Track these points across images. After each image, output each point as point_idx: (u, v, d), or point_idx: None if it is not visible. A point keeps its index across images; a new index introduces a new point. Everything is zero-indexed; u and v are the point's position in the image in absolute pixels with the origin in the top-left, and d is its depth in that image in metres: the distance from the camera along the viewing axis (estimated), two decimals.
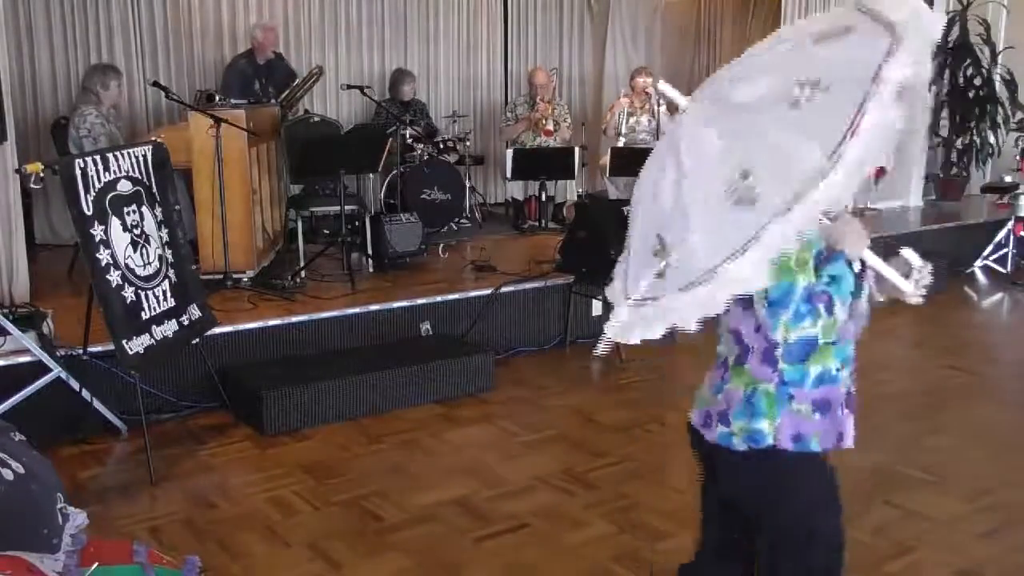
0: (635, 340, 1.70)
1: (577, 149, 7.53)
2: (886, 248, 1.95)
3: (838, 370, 1.90)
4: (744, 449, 1.92)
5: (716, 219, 1.58)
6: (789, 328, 1.76)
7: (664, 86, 1.82)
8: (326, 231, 6.91)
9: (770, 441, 1.90)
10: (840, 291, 1.77)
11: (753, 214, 1.52)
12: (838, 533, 2.07)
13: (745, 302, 1.80)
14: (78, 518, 2.04)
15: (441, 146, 7.65)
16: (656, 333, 1.65)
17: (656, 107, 7.59)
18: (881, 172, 1.76)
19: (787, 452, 1.91)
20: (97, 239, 3.74)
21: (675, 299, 1.61)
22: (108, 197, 3.84)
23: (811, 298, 1.73)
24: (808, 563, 2.03)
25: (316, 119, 6.90)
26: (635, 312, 1.71)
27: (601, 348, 1.81)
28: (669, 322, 1.62)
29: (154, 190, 4.18)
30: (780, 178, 1.52)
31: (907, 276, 1.85)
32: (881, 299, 1.94)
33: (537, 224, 7.60)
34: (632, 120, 7.79)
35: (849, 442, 1.97)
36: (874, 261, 1.84)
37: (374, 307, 5.12)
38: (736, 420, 1.93)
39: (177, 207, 4.39)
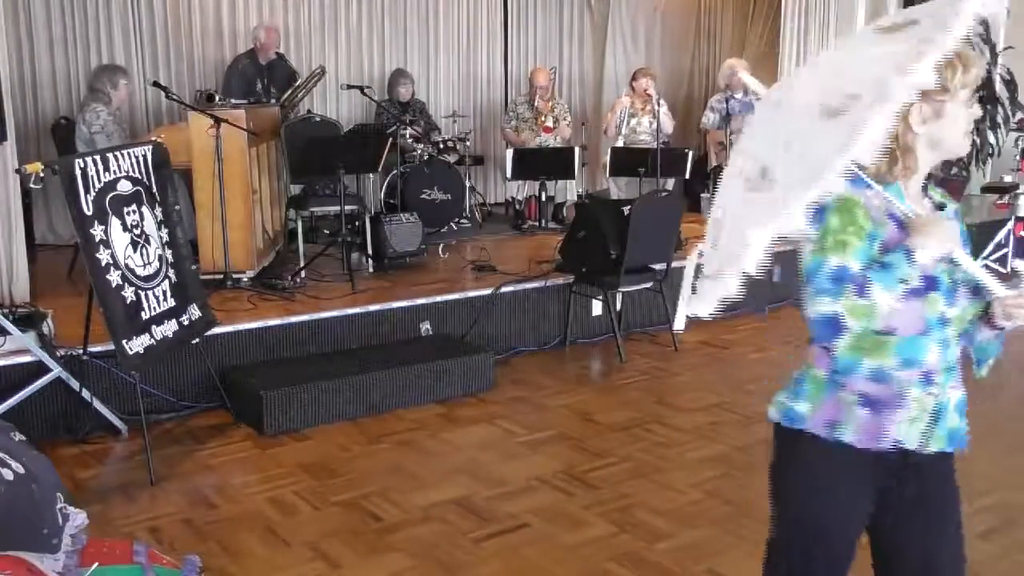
0: (704, 313, 1.74)
1: (577, 149, 7.54)
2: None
3: (898, 369, 1.78)
4: (777, 423, 1.92)
5: (738, 206, 1.75)
6: (812, 302, 1.72)
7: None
8: (326, 231, 6.92)
9: (806, 424, 1.86)
10: (885, 278, 1.67)
11: (763, 201, 1.64)
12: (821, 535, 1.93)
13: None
14: (78, 518, 2.04)
15: (441, 146, 7.65)
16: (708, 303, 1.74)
17: (657, 108, 7.59)
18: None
19: (815, 437, 1.85)
20: (97, 239, 3.74)
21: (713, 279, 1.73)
22: (108, 197, 3.84)
23: (842, 279, 1.68)
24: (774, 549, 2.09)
25: (317, 119, 6.91)
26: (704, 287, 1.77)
27: (678, 324, 1.92)
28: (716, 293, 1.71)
29: (154, 190, 4.18)
30: (798, 167, 1.61)
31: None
32: (1007, 324, 1.81)
33: (537, 224, 7.60)
34: (633, 121, 7.79)
35: (886, 443, 1.83)
36: (966, 261, 1.75)
37: (374, 307, 5.12)
38: (782, 394, 1.92)
39: (177, 207, 4.39)
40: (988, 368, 1.92)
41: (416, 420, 4.48)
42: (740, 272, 1.62)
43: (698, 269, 1.83)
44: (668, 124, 7.68)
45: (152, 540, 3.22)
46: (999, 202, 8.39)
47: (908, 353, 1.78)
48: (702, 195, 8.12)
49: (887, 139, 1.58)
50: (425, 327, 5.23)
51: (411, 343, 5.11)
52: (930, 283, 1.76)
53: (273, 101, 6.72)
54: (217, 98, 5.67)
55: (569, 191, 7.74)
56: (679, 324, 1.90)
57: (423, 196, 7.16)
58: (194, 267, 4.51)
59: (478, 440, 4.27)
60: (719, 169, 7.69)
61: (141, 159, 4.13)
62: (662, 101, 7.67)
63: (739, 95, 7.77)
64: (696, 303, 1.75)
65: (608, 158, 7.47)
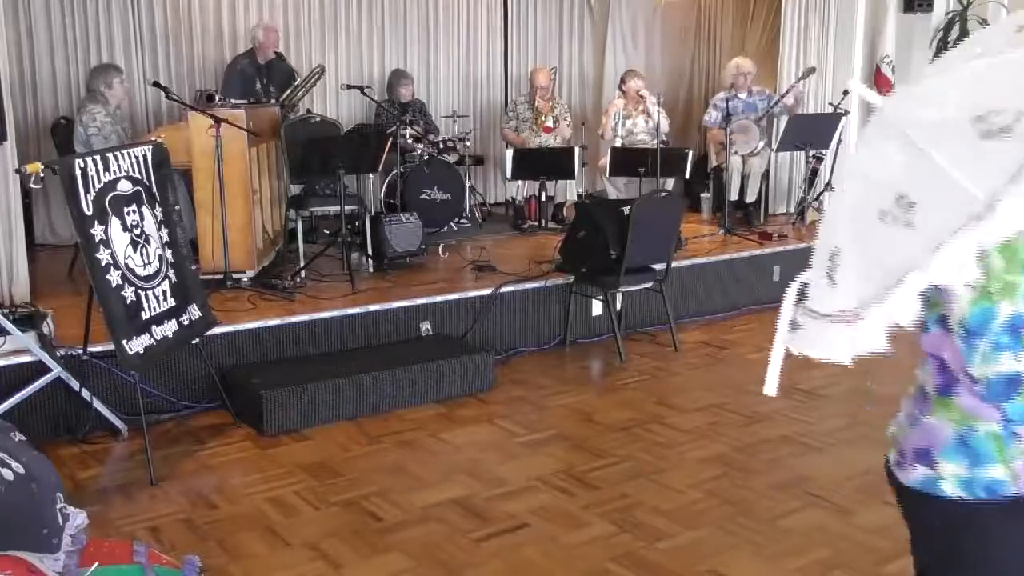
0: (804, 352, 1.53)
1: (577, 149, 7.53)
2: None
3: None
4: (961, 498, 1.55)
5: (869, 249, 1.41)
6: (987, 361, 1.42)
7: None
8: (326, 231, 6.92)
9: (1011, 489, 1.51)
10: None
11: (907, 244, 1.34)
12: None
13: (944, 321, 1.50)
14: (78, 518, 2.04)
15: (441, 146, 7.65)
16: (808, 352, 1.51)
17: (651, 107, 7.60)
18: None
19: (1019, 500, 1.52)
20: (97, 239, 3.74)
21: (822, 328, 1.47)
22: (108, 197, 3.84)
23: (1017, 328, 1.40)
24: None
25: (316, 119, 6.90)
26: (805, 322, 1.54)
27: (770, 387, 1.57)
28: (804, 348, 1.49)
29: (154, 190, 4.18)
30: (941, 207, 1.31)
31: None
32: None
33: (537, 224, 7.60)
34: (629, 122, 7.79)
35: None
36: None
37: (374, 307, 5.12)
38: (948, 463, 1.56)
39: (177, 207, 4.39)
40: None
41: (416, 420, 4.48)
42: (888, 319, 1.34)
43: (799, 302, 1.58)
44: (664, 122, 7.68)
45: (152, 540, 3.22)
46: None
47: None
48: (702, 195, 8.14)
49: None
50: (425, 327, 5.23)
51: (411, 343, 5.11)
52: None
53: (273, 101, 6.72)
54: (217, 98, 5.67)
55: (569, 191, 7.74)
56: (771, 387, 1.57)
57: (423, 196, 7.16)
58: (194, 267, 4.51)
59: (478, 440, 4.27)
60: (719, 169, 7.70)
61: (141, 159, 4.13)
62: (661, 99, 7.67)
63: (743, 95, 7.77)
64: (805, 343, 1.52)
65: (607, 158, 7.47)
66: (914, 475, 1.60)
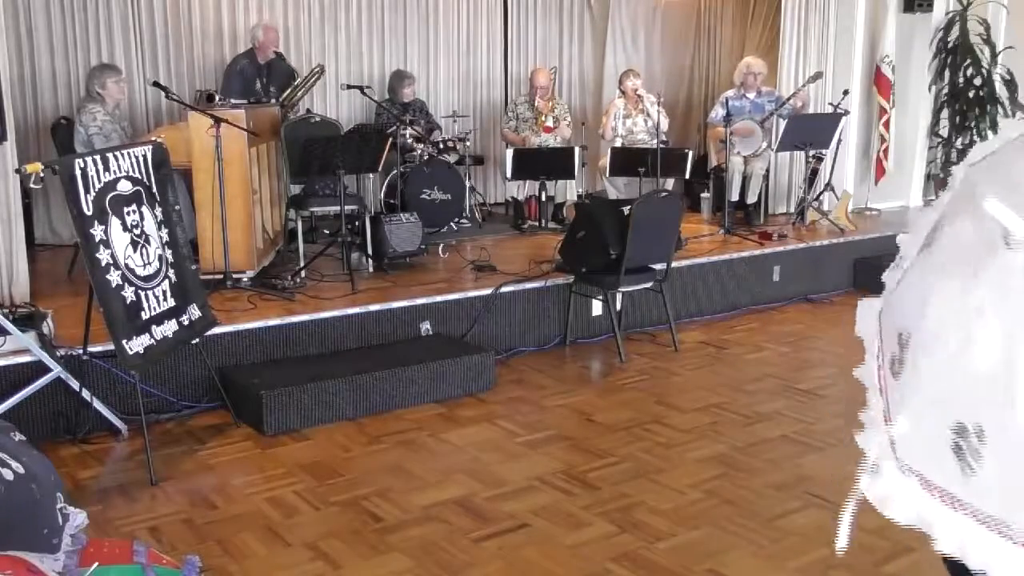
0: (890, 515, 1.22)
1: (577, 149, 7.54)
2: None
3: None
4: None
5: None
6: None
7: (994, 205, 1.10)
8: (326, 231, 6.92)
9: None
10: None
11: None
12: None
13: None
14: (78, 518, 2.04)
15: (441, 146, 7.65)
16: (932, 535, 1.15)
17: (649, 107, 7.60)
18: None
19: None
20: (97, 239, 3.74)
21: (973, 530, 1.09)
22: (108, 197, 3.84)
23: None
24: None
25: (316, 119, 6.91)
26: (907, 484, 1.20)
27: (845, 530, 1.27)
28: (948, 547, 1.13)
29: (154, 190, 4.18)
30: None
31: None
32: None
33: (537, 224, 7.60)
34: (629, 122, 7.80)
35: None
36: None
37: (374, 307, 5.12)
38: None
39: (177, 207, 4.39)
40: None
41: (416, 420, 4.48)
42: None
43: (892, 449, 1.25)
44: (663, 122, 7.68)
45: (152, 540, 3.22)
46: None
47: None
48: (702, 195, 8.14)
49: None
50: (425, 327, 5.23)
51: (411, 343, 5.11)
52: None
53: (272, 100, 6.72)
54: (217, 98, 5.67)
55: (569, 191, 7.74)
56: (842, 541, 1.29)
57: (423, 196, 7.16)
58: (194, 267, 4.51)
59: (478, 440, 4.27)
60: (719, 169, 7.71)
61: (141, 159, 4.13)
62: (661, 99, 7.67)
63: (751, 94, 7.77)
64: (907, 510, 1.18)
65: (607, 158, 7.47)
66: None
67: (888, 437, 1.21)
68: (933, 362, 1.15)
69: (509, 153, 7.41)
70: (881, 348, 1.30)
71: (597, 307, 5.83)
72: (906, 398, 1.19)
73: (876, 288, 1.43)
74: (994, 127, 8.70)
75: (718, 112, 7.81)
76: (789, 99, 7.65)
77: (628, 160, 7.27)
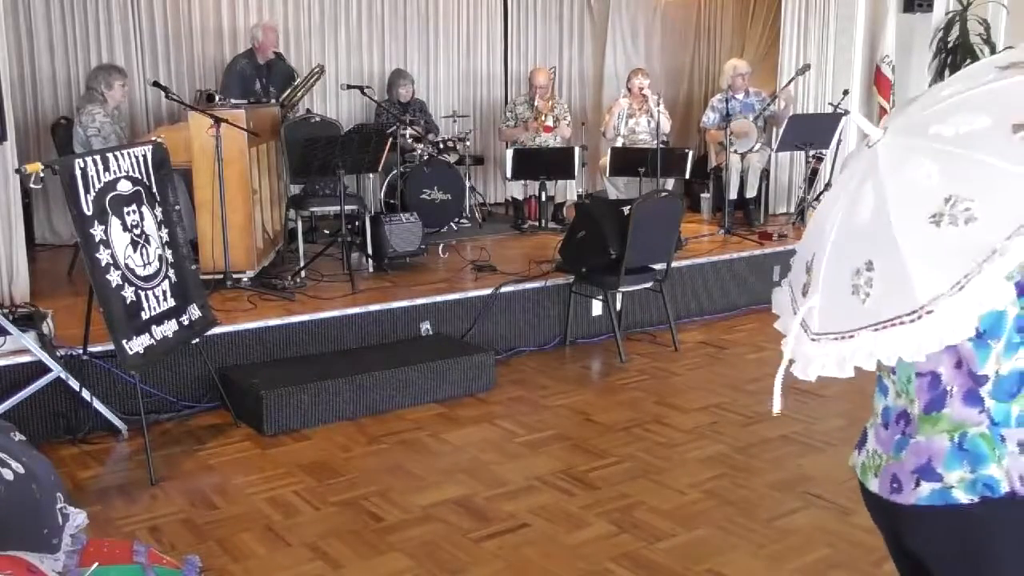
0: (813, 377, 1.48)
1: (577, 149, 7.54)
2: None
3: None
4: (971, 501, 1.58)
5: (927, 248, 1.37)
6: (1001, 360, 1.50)
7: (857, 117, 1.57)
8: (326, 231, 6.92)
9: (1006, 487, 1.56)
10: None
11: (976, 233, 1.33)
12: None
13: None
14: (78, 518, 2.04)
15: (441, 146, 7.65)
16: (847, 372, 1.43)
17: (654, 108, 7.60)
18: None
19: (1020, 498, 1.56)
20: (97, 239, 3.74)
21: (875, 337, 1.40)
22: (108, 197, 3.84)
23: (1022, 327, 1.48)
24: None
25: (316, 119, 6.91)
26: (822, 347, 1.49)
27: (778, 397, 1.52)
28: (863, 361, 1.42)
29: (154, 190, 4.18)
30: (1002, 197, 1.32)
31: None
32: None
33: (537, 224, 7.60)
34: (632, 121, 7.79)
35: None
36: None
37: (374, 307, 5.12)
38: (951, 471, 1.58)
39: (177, 207, 4.39)
40: None
41: (416, 420, 4.48)
42: (974, 306, 1.32)
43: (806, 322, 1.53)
44: (666, 123, 7.69)
45: (152, 540, 3.22)
46: None
47: None
48: (702, 195, 8.14)
49: None
50: (425, 327, 5.23)
51: (411, 343, 5.11)
52: None
53: (272, 100, 6.72)
54: (217, 98, 5.67)
55: (569, 191, 7.74)
56: (777, 405, 1.53)
57: (423, 196, 7.16)
58: (194, 267, 4.51)
59: (478, 440, 4.27)
60: (719, 169, 7.71)
61: (141, 159, 4.13)
62: (660, 101, 7.67)
63: (740, 96, 7.78)
64: (824, 364, 1.47)
65: (607, 158, 7.47)
66: (920, 493, 1.60)
67: (800, 321, 1.51)
68: (830, 244, 1.49)
69: (509, 153, 7.41)
70: (792, 292, 1.59)
71: (597, 307, 5.83)
72: (814, 285, 1.51)
73: None
74: None
75: (710, 116, 7.84)
76: (775, 99, 7.67)
77: (628, 160, 7.27)
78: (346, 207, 5.89)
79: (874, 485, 1.69)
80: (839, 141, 7.75)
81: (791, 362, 1.50)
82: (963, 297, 1.31)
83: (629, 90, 7.84)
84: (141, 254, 3.98)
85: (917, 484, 1.60)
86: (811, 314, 1.51)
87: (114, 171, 3.91)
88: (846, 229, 1.48)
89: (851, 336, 1.43)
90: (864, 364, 1.42)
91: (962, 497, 1.56)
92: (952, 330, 1.34)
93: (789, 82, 7.79)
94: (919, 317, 1.34)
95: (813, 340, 1.49)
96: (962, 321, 1.33)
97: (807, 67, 7.77)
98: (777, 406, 1.51)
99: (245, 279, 5.46)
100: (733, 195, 7.56)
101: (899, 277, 1.37)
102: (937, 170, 1.40)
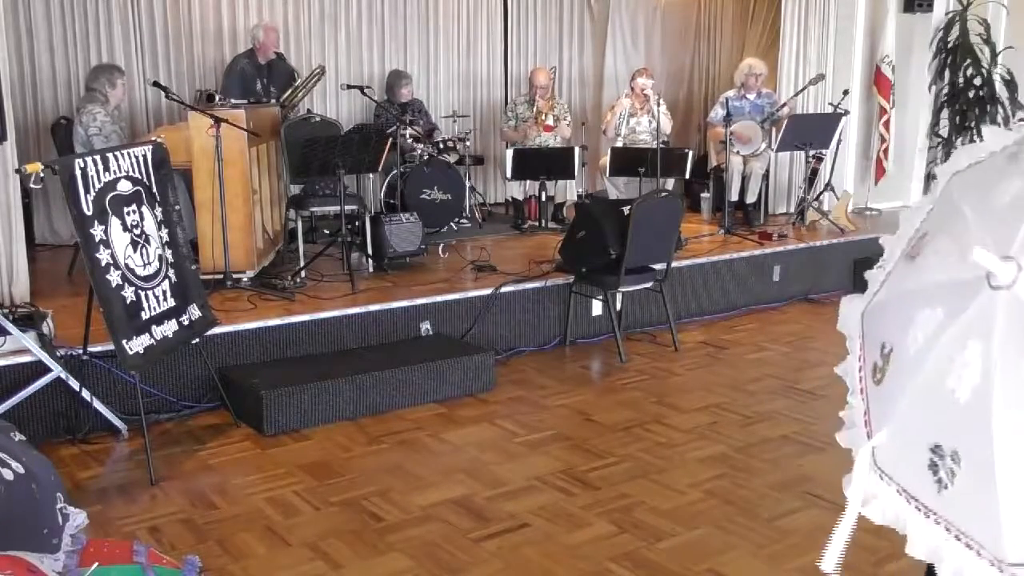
0: (877, 520, 1.33)
1: (577, 149, 7.53)
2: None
3: None
4: None
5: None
6: None
7: (981, 254, 1.09)
8: (326, 231, 6.92)
9: None
10: None
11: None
12: None
13: None
14: (78, 518, 2.04)
15: (441, 146, 7.65)
16: (912, 546, 1.26)
17: (656, 108, 7.60)
18: None
19: None
20: (97, 239, 3.74)
21: (947, 541, 1.18)
22: (108, 197, 3.84)
23: None
24: None
25: (316, 119, 6.90)
26: (886, 489, 1.30)
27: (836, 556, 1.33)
28: (921, 553, 1.24)
29: (154, 190, 4.18)
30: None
31: None
32: None
33: (537, 224, 7.60)
34: (633, 121, 7.79)
35: None
36: None
37: (374, 307, 5.12)
38: None
39: (177, 207, 4.39)
40: None
41: (416, 420, 4.48)
42: None
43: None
44: (667, 124, 7.68)
45: (152, 540, 3.22)
46: None
47: None
48: (702, 195, 8.14)
49: None
50: (425, 327, 5.23)
51: (411, 343, 5.11)
52: None
53: (273, 101, 6.72)
54: (217, 98, 5.67)
55: (569, 191, 7.74)
56: (829, 565, 1.36)
57: (423, 196, 7.16)
58: (194, 267, 4.51)
59: (478, 440, 4.27)
60: (719, 169, 7.71)
61: (141, 159, 4.13)
62: (661, 101, 7.67)
63: (751, 96, 7.77)
64: (889, 514, 1.29)
65: (608, 158, 7.47)
66: None
67: (870, 446, 1.29)
68: (914, 384, 1.20)
69: (509, 153, 7.41)
70: (863, 352, 1.35)
71: (597, 307, 5.83)
72: (886, 413, 1.26)
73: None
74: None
75: (718, 112, 7.81)
76: (783, 106, 7.66)
77: (628, 160, 7.27)
78: (346, 207, 5.89)
79: None
80: (839, 141, 7.75)
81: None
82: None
83: (632, 89, 7.84)
84: (141, 254, 3.98)
85: None
86: (880, 448, 1.30)
87: (114, 171, 3.91)
88: (936, 380, 1.15)
89: (921, 511, 1.22)
90: (920, 555, 1.24)
91: None
92: None
93: (801, 90, 7.77)
94: (1000, 570, 1.08)
95: (880, 478, 1.30)
96: None
97: (821, 76, 7.73)
98: (831, 567, 1.33)
99: (245, 279, 5.46)
100: (734, 196, 7.56)
101: (986, 502, 1.08)
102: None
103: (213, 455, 4.06)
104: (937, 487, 1.17)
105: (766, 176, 7.81)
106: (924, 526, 1.21)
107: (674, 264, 5.71)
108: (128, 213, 3.95)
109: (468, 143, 7.94)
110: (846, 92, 7.80)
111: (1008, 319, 1.08)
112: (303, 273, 5.63)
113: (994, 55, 8.54)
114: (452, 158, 7.63)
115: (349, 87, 6.93)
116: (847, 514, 1.32)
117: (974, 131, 8.65)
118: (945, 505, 1.17)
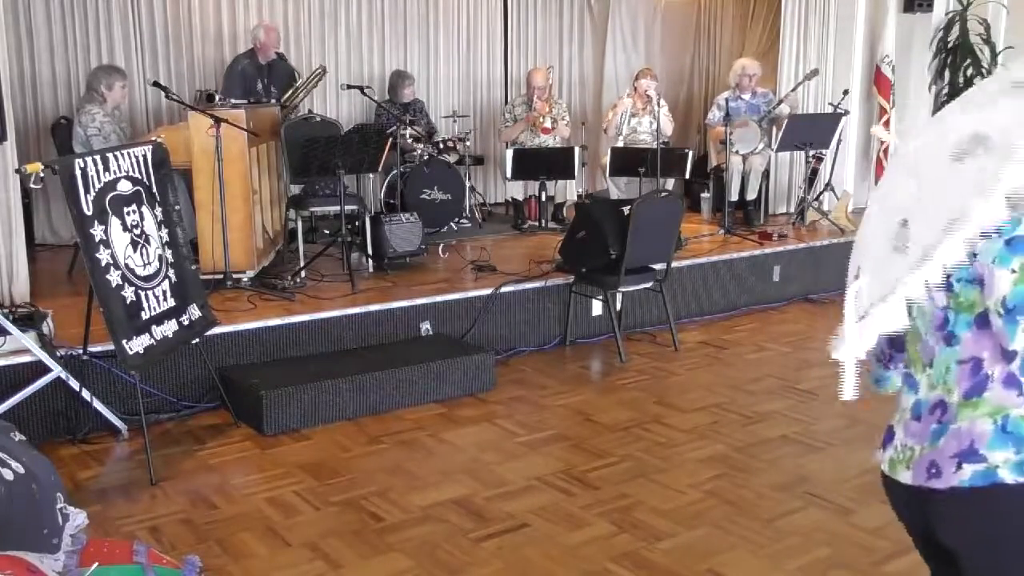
0: (866, 344, 1.66)
1: (577, 149, 7.53)
2: None
3: None
4: (1017, 481, 1.59)
5: (880, 260, 1.63)
6: None
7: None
8: (326, 231, 6.92)
9: None
10: None
11: (901, 263, 1.56)
12: None
13: (981, 320, 1.59)
14: (78, 518, 2.04)
15: (441, 146, 7.65)
16: (902, 317, 1.61)
17: (657, 108, 7.60)
18: None
19: None
20: (97, 239, 3.74)
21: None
22: (108, 197, 3.84)
23: None
24: None
25: (316, 119, 6.90)
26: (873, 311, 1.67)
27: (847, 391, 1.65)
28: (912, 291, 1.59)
29: (154, 190, 4.18)
30: (929, 226, 1.53)
31: None
32: None
33: (537, 224, 7.60)
34: (634, 121, 7.79)
35: None
36: None
37: (374, 307, 5.12)
38: (996, 451, 1.59)
39: (177, 207, 4.39)
40: None
41: (416, 420, 4.48)
42: (879, 326, 1.60)
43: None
44: (668, 126, 7.69)
45: (152, 540, 3.22)
46: None
47: None
48: (702, 195, 8.14)
49: None
50: (425, 327, 5.23)
51: (411, 343, 5.11)
52: None
53: (273, 101, 6.72)
54: (217, 98, 5.67)
55: (569, 191, 7.74)
56: (848, 391, 1.65)
57: (423, 196, 7.16)
58: (194, 267, 4.51)
59: (478, 440, 4.27)
60: (719, 169, 7.71)
61: (141, 159, 4.13)
62: (663, 102, 7.67)
63: (746, 96, 7.77)
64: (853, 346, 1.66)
65: (608, 158, 7.47)
66: (962, 475, 1.61)
67: (856, 286, 1.68)
68: (874, 224, 1.70)
69: (509, 153, 7.41)
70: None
71: (597, 307, 5.83)
72: (864, 259, 1.70)
73: None
74: None
75: (715, 114, 7.82)
76: (780, 103, 7.66)
77: (628, 160, 7.27)
78: (346, 207, 5.89)
79: (906, 477, 1.71)
80: (839, 141, 7.75)
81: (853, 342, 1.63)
82: (872, 316, 1.60)
83: (635, 89, 7.84)
84: (141, 254, 3.98)
85: (959, 467, 1.61)
86: (860, 294, 1.66)
87: (114, 171, 3.91)
88: (891, 197, 1.69)
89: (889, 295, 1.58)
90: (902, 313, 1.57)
91: (1008, 477, 1.57)
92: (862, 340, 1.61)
93: (796, 86, 7.78)
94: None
95: (862, 318, 1.63)
96: (867, 334, 1.61)
97: (815, 72, 7.75)
98: (849, 391, 1.62)
99: (245, 279, 5.46)
100: (734, 196, 7.56)
101: (929, 230, 1.53)
102: (911, 191, 1.64)
103: (213, 455, 4.06)
104: (903, 257, 1.57)
105: (766, 175, 7.81)
106: (885, 307, 1.59)
107: (674, 264, 5.71)
108: (128, 213, 3.95)
109: (468, 143, 7.94)
110: (846, 92, 7.80)
111: (919, 160, 1.65)
112: (303, 273, 5.63)
113: (994, 55, 8.53)
114: (452, 158, 7.64)
115: (349, 87, 6.93)
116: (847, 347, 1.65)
117: None
118: (906, 264, 1.56)
